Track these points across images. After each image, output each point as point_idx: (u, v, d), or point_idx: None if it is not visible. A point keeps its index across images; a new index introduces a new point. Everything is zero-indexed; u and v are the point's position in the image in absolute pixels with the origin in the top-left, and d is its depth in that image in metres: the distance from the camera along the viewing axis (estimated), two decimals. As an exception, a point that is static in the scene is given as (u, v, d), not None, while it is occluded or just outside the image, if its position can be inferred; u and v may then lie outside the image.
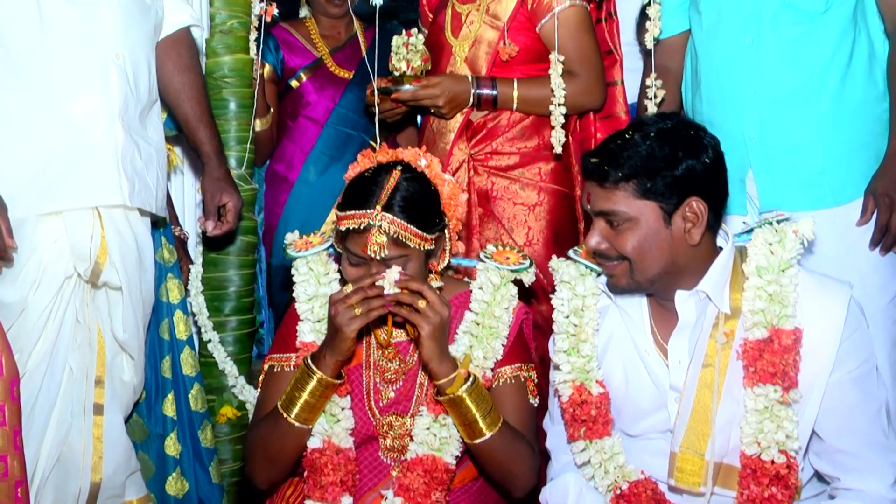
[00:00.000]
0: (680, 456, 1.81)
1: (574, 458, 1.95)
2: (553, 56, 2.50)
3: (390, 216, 1.92)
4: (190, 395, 2.55)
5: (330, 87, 3.12)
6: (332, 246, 2.14)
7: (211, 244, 2.73)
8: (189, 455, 2.53)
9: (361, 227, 1.92)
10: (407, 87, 2.55)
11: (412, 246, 1.94)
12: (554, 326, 1.98)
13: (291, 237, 2.15)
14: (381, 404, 2.07)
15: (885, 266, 2.35)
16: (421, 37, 2.56)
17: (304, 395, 1.95)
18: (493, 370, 2.03)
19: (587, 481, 1.93)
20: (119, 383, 2.32)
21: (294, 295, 2.11)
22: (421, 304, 1.89)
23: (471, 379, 1.93)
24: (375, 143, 2.17)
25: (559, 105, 2.47)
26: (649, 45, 2.53)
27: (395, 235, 1.92)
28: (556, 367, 1.97)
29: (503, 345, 2.03)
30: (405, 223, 1.93)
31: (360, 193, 1.97)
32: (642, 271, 1.83)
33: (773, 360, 1.76)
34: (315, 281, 2.09)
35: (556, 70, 2.49)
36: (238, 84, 2.76)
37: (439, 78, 2.58)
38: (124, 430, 2.32)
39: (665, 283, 1.85)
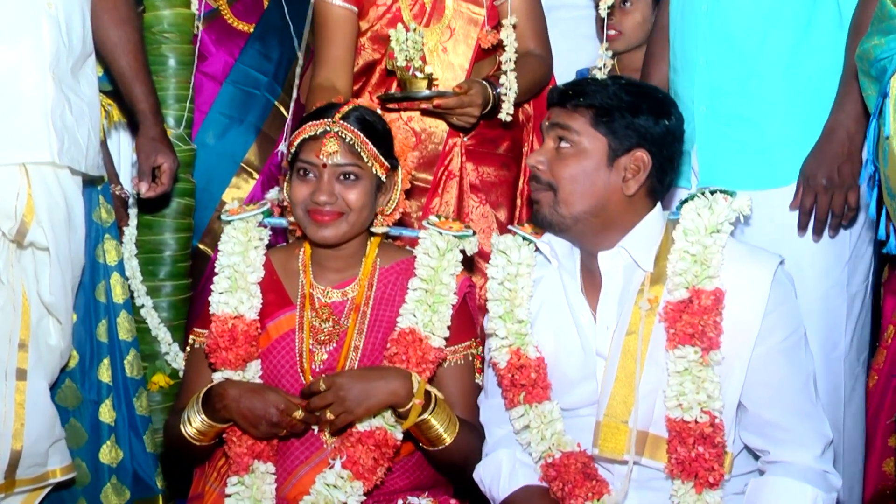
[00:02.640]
0: (604, 424, 1.82)
1: (512, 423, 1.95)
2: (507, 21, 2.48)
3: (347, 124, 1.98)
4: (126, 361, 2.48)
5: (228, 40, 2.88)
6: (266, 212, 2.15)
7: (146, 206, 2.65)
8: (124, 423, 2.46)
9: (318, 132, 1.97)
10: (448, 94, 2.37)
11: (365, 159, 1.98)
12: (488, 294, 1.99)
13: (230, 205, 2.16)
14: (313, 367, 2.04)
15: (826, 251, 2.24)
16: (422, 31, 2.43)
17: (202, 431, 1.98)
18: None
19: (524, 448, 1.94)
20: (45, 348, 2.24)
21: None
22: (331, 413, 1.89)
23: (432, 403, 1.92)
24: (287, 108, 2.15)
25: (512, 70, 2.45)
26: (603, 13, 2.49)
27: (350, 142, 1.96)
28: (493, 334, 1.97)
29: (451, 313, 2.02)
30: (361, 134, 1.97)
31: (317, 112, 2.04)
32: (566, 204, 1.84)
33: (691, 321, 1.77)
34: (229, 250, 2.08)
35: (509, 34, 2.46)
36: (178, 40, 2.68)
37: (470, 85, 2.41)
38: (49, 397, 2.24)
39: (590, 227, 1.85)
